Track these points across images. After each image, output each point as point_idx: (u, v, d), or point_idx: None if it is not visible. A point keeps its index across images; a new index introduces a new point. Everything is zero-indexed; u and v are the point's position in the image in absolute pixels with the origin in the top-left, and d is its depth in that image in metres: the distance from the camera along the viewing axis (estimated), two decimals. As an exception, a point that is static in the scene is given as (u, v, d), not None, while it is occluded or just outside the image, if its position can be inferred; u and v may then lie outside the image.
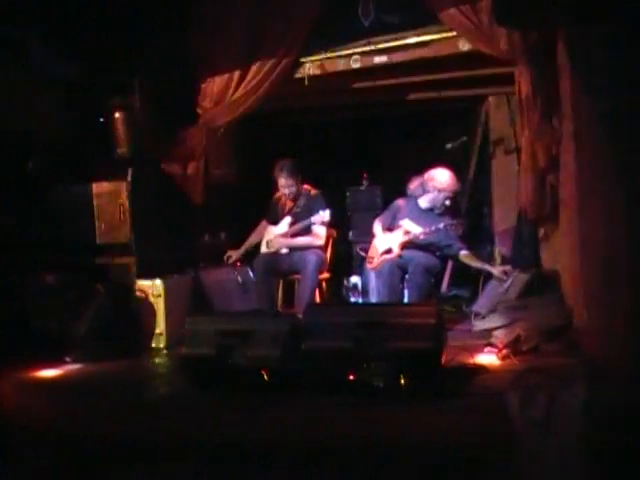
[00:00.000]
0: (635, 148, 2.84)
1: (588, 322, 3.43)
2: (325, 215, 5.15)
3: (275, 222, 5.59)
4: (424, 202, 5.36)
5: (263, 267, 5.33)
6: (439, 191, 5.25)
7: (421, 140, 6.25)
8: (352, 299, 6.08)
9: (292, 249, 5.40)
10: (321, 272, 5.33)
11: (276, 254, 5.45)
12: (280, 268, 5.40)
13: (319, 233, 5.36)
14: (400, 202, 5.52)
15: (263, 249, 5.57)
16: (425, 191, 5.35)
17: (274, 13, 5.14)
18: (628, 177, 2.88)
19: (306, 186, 5.53)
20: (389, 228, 5.41)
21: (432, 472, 2.55)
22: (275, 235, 5.51)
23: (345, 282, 6.18)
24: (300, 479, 2.73)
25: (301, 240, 5.38)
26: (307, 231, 5.35)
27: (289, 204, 5.56)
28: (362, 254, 5.78)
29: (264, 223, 5.71)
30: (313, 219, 5.21)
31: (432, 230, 5.12)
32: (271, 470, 2.72)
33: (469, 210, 6.10)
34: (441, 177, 5.25)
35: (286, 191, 5.46)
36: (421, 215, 5.32)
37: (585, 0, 3.03)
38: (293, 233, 5.42)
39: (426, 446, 2.55)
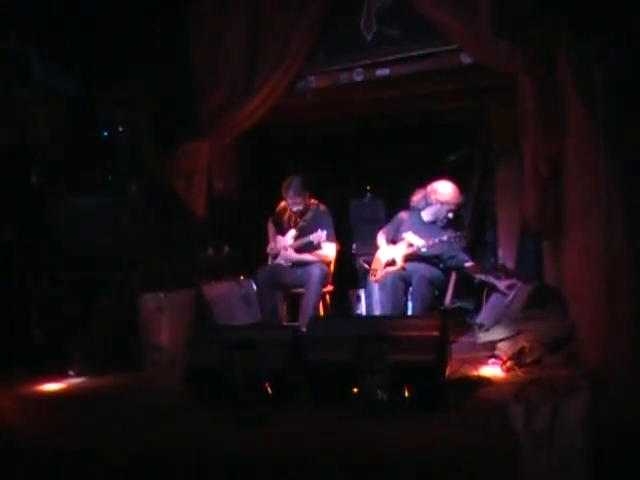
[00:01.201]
0: (635, 161, 2.84)
1: (589, 333, 3.41)
2: (322, 236, 5.14)
3: (282, 232, 5.59)
4: (427, 215, 5.36)
5: (266, 280, 5.34)
6: (442, 204, 5.25)
7: (424, 152, 6.25)
8: (357, 311, 6.07)
9: (295, 263, 5.41)
10: (325, 285, 5.33)
11: (279, 266, 5.46)
12: (283, 281, 5.40)
13: (328, 254, 5.35)
14: (403, 215, 5.52)
15: (271, 260, 5.57)
16: (428, 204, 5.35)
17: (274, 26, 5.15)
18: (627, 189, 2.88)
19: (313, 200, 5.53)
20: (392, 240, 5.41)
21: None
22: (281, 247, 5.52)
23: (350, 294, 6.18)
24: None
25: (308, 257, 5.37)
26: (310, 246, 5.34)
27: (295, 217, 5.55)
28: (365, 266, 5.77)
29: (272, 227, 5.70)
30: (312, 237, 5.21)
31: (435, 242, 5.11)
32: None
33: (472, 222, 6.09)
34: (444, 190, 5.26)
35: (293, 208, 5.45)
36: (424, 228, 5.32)
37: (584, 14, 3.05)
38: (296, 248, 5.42)
39: (427, 459, 2.54)
